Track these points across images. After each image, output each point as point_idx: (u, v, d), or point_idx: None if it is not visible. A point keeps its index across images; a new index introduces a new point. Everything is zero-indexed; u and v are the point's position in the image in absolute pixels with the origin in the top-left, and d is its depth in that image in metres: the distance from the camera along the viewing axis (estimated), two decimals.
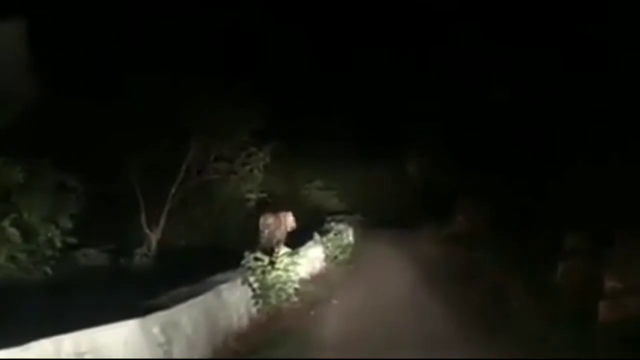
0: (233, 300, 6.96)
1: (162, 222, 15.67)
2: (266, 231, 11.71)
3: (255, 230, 17.51)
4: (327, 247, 12.18)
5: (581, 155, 14.36)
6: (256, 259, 7.69)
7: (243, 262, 7.72)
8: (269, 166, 17.44)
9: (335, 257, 12.35)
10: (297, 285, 8.10)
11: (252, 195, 17.27)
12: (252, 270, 7.63)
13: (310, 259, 11.23)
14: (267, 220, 11.87)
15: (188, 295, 5.77)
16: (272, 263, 7.84)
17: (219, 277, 7.47)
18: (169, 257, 14.35)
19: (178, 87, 14.30)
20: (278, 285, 7.71)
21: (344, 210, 20.49)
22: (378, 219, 21.49)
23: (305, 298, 9.00)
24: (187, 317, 5.38)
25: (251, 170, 16.43)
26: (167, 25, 14.66)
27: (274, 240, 11.45)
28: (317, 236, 12.19)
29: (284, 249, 8.10)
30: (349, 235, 15.15)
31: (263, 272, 7.70)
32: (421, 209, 22.55)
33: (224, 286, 6.85)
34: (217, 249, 15.93)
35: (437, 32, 22.23)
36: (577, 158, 14.43)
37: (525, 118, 17.91)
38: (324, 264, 12.01)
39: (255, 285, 7.56)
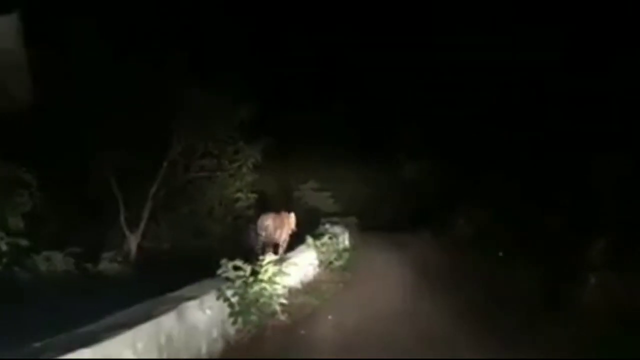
0: (203, 321, 5.47)
1: (142, 223, 14.21)
2: (264, 233, 10.00)
3: (245, 233, 16.15)
4: (321, 252, 10.69)
5: (592, 158, 13.38)
6: (236, 268, 6.20)
7: (220, 271, 6.22)
8: (260, 165, 16.03)
9: (330, 263, 10.86)
10: (284, 300, 6.58)
11: (242, 195, 15.78)
12: (231, 282, 6.15)
13: (303, 266, 9.75)
14: (266, 222, 10.06)
15: (134, 320, 4.28)
16: (255, 273, 6.36)
17: (189, 290, 6.00)
18: (145, 262, 12.89)
19: (159, 76, 12.86)
20: (262, 300, 6.22)
21: (339, 212, 19.08)
22: (375, 221, 20.11)
23: (295, 313, 7.55)
24: (131, 350, 3.90)
25: (240, 168, 14.95)
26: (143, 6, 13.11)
27: (273, 243, 10.06)
28: (310, 240, 10.72)
29: (270, 256, 6.59)
30: (344, 239, 13.69)
31: (245, 284, 6.22)
32: (419, 212, 21.22)
33: (191, 303, 5.36)
34: (202, 254, 14.54)
35: (435, 32, 21.23)
36: (588, 161, 13.45)
37: (527, 120, 16.86)
38: (317, 270, 10.54)
39: (234, 300, 6.07)
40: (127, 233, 13.95)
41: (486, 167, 18.37)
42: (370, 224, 19.20)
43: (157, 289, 6.29)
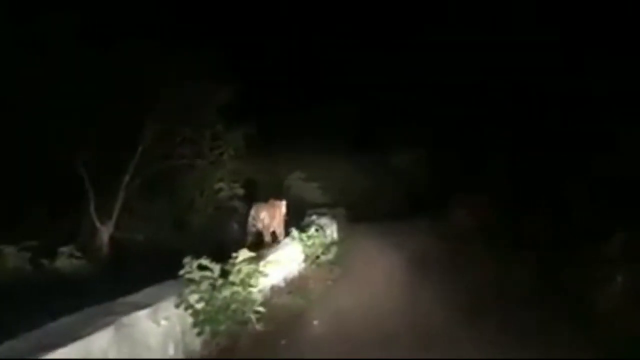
0: (156, 335, 4.29)
1: (115, 214, 12.93)
2: (260, 225, 9.31)
3: (227, 225, 14.93)
4: (307, 246, 9.52)
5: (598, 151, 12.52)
6: (201, 267, 5.01)
7: (182, 272, 5.03)
8: (243, 153, 14.79)
9: (317, 258, 9.69)
10: (260, 308, 5.38)
11: (223, 185, 14.53)
12: (196, 284, 4.96)
13: (286, 261, 8.60)
14: (261, 213, 9.33)
15: (57, 339, 3.08)
16: (225, 274, 5.18)
17: (145, 295, 4.82)
18: (115, 256, 11.66)
19: (132, 55, 11.56)
20: (233, 306, 5.04)
21: (328, 203, 17.94)
22: (365, 212, 19.01)
23: (276, 317, 6.40)
24: None
25: (221, 155, 13.67)
26: None
27: (269, 233, 9.47)
28: (295, 232, 9.54)
29: (245, 253, 5.39)
30: (333, 232, 12.55)
31: (212, 287, 5.04)
32: (412, 203, 20.16)
33: (141, 313, 4.18)
34: (180, 248, 13.31)
35: (428, 23, 20.22)
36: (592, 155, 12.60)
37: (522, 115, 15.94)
38: (303, 266, 9.37)
39: (199, 306, 4.89)
40: (98, 224, 12.69)
41: (482, 157, 17.42)
42: (360, 215, 18.14)
43: (113, 290, 5.12)
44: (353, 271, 9.60)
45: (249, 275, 5.26)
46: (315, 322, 6.42)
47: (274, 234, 9.63)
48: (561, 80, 14.05)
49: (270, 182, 16.88)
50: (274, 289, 7.70)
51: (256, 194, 15.34)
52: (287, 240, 9.56)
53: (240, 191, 14.93)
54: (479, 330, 5.89)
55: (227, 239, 14.60)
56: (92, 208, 12.55)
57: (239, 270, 5.21)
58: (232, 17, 16.13)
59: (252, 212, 9.42)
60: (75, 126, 11.39)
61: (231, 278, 5.12)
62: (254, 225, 9.36)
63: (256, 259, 5.90)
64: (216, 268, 5.04)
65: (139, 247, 13.45)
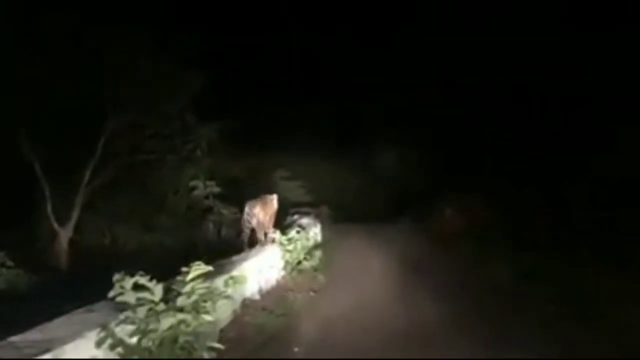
0: None
1: (75, 214, 11.37)
2: (254, 220, 8.57)
3: (198, 228, 13.43)
4: (287, 250, 8.12)
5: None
6: (137, 286, 3.57)
7: (112, 294, 3.59)
8: (219, 149, 13.33)
9: (299, 264, 8.29)
10: (216, 344, 3.90)
11: (198, 183, 13.02)
12: (132, 310, 3.52)
13: (263, 269, 7.18)
14: (254, 208, 8.61)
15: None
16: (169, 295, 3.73)
17: (61, 324, 3.38)
18: (69, 265, 10.14)
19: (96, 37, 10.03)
20: (181, 340, 3.59)
21: (311, 202, 16.60)
22: (349, 212, 17.71)
23: (245, 341, 5.01)
24: None
25: (194, 150, 12.16)
26: None
27: (268, 230, 8.79)
28: (275, 235, 8.15)
29: (199, 267, 3.93)
30: (316, 233, 11.18)
31: (153, 314, 3.59)
32: (395, 202, 18.93)
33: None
34: (148, 251, 11.85)
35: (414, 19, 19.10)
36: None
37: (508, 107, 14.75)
38: (282, 273, 7.96)
39: (133, 341, 3.45)
40: (56, 226, 11.13)
41: (474, 157, 16.15)
42: (345, 214, 16.84)
43: (31, 317, 3.68)
44: (339, 279, 8.21)
45: (204, 297, 3.81)
46: (296, 349, 5.01)
47: (265, 231, 8.83)
48: (560, 79, 12.94)
49: (250, 180, 15.43)
50: (246, 304, 6.28)
51: (238, 193, 14.01)
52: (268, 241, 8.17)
53: (217, 189, 13.44)
54: (475, 344, 4.96)
55: (202, 241, 13.22)
56: (49, 209, 10.99)
57: (191, 291, 3.76)
58: (216, 8, 14.68)
59: (247, 208, 8.70)
60: (27, 118, 9.82)
61: (179, 301, 3.68)
62: (249, 222, 8.58)
63: (216, 273, 4.47)
64: (157, 288, 3.59)
65: (103, 252, 11.96)
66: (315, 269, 8.47)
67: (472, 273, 8.65)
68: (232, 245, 12.38)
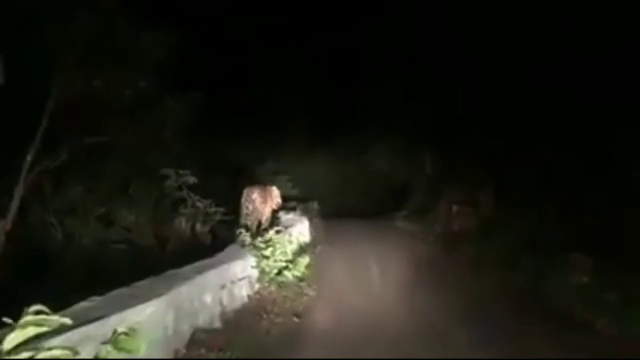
0: None
1: (13, 207, 9.01)
2: (251, 207, 7.97)
3: (169, 223, 11.19)
4: (263, 256, 5.92)
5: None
6: None
7: None
8: (193, 131, 11.08)
9: (279, 273, 6.10)
10: None
11: (168, 172, 10.68)
12: None
13: (227, 283, 5.01)
14: (253, 194, 8.05)
15: None
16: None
17: None
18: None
19: None
20: None
21: (298, 196, 14.45)
22: (339, 207, 15.62)
23: None
24: None
25: (161, 130, 9.83)
26: None
27: (262, 219, 8.09)
28: (244, 236, 5.96)
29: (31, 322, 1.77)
30: (303, 232, 9.02)
31: None
32: (392, 196, 16.84)
33: None
34: (103, 251, 9.64)
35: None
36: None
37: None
38: (256, 288, 5.77)
39: None
40: None
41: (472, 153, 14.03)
42: (335, 209, 14.72)
43: None
44: (331, 296, 6.05)
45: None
46: None
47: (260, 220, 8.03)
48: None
49: (230, 169, 13.22)
50: (197, 339, 4.11)
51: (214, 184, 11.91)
52: (234, 248, 5.97)
53: (191, 179, 11.12)
54: None
55: (173, 238, 11.10)
56: None
57: None
58: None
59: (244, 195, 8.09)
60: None
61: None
62: (247, 207, 7.95)
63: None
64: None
65: (53, 251, 9.69)
66: (300, 280, 6.31)
67: (469, 286, 6.57)
68: (206, 243, 10.42)
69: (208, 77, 12.78)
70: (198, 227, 11.38)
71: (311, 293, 5.92)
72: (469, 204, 10.70)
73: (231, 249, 6.06)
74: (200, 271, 4.67)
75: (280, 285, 5.97)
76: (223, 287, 4.97)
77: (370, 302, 5.82)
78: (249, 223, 7.66)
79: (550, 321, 5.07)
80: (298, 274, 6.31)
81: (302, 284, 6.23)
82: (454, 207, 10.79)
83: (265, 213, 8.24)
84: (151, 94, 9.44)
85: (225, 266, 5.13)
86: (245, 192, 8.18)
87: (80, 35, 7.97)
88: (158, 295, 3.73)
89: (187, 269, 4.67)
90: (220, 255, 5.60)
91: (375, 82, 17.23)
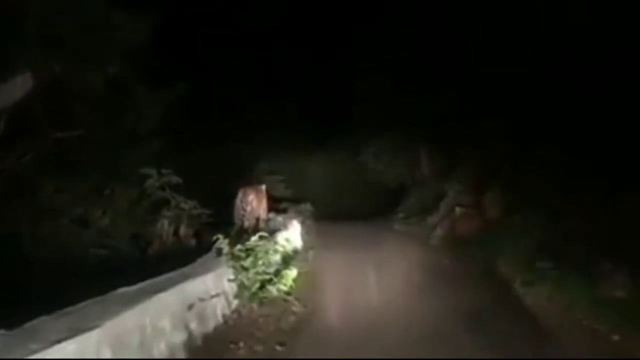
0: None
1: None
2: (249, 208, 7.82)
3: (151, 225, 10.20)
4: (242, 268, 4.92)
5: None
6: None
7: None
8: (175, 127, 10.08)
9: (262, 287, 5.09)
10: None
11: (150, 171, 9.63)
12: None
13: (196, 302, 4.02)
14: (249, 196, 7.75)
15: None
16: None
17: None
18: None
19: None
20: None
21: (291, 197, 13.54)
22: (333, 210, 14.67)
23: None
24: None
25: (139, 125, 8.78)
26: None
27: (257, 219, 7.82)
28: (223, 244, 4.95)
29: None
30: (294, 236, 8.02)
31: None
32: (386, 200, 15.89)
33: None
34: (74, 259, 8.63)
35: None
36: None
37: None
38: (235, 304, 4.77)
39: None
40: None
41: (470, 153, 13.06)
42: (329, 212, 13.75)
43: None
44: (323, 315, 5.03)
45: None
46: None
47: (257, 220, 8.00)
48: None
49: (218, 168, 12.22)
50: None
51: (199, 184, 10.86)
52: (208, 257, 4.97)
53: (175, 179, 10.10)
54: None
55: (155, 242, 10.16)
56: None
57: None
58: None
59: (239, 196, 8.02)
60: None
61: None
62: (244, 209, 7.94)
63: None
64: None
65: (23, 255, 8.63)
66: (287, 294, 5.31)
67: (508, 302, 5.60)
68: (189, 247, 9.48)
69: (196, 70, 11.83)
70: (182, 229, 10.42)
71: (300, 310, 4.92)
72: (473, 205, 9.74)
73: (205, 258, 5.06)
74: (159, 289, 3.68)
75: (263, 301, 4.96)
76: (191, 307, 3.98)
77: (369, 320, 4.82)
78: (246, 224, 7.42)
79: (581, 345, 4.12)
80: (284, 287, 5.31)
81: (290, 298, 5.23)
82: (457, 209, 9.81)
83: (262, 214, 8.03)
84: (127, 83, 8.42)
85: (192, 281, 4.13)
86: (240, 193, 8.00)
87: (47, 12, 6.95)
88: (90, 327, 2.74)
89: (140, 286, 3.67)
90: (189, 267, 4.59)
91: (372, 81, 16.31)
